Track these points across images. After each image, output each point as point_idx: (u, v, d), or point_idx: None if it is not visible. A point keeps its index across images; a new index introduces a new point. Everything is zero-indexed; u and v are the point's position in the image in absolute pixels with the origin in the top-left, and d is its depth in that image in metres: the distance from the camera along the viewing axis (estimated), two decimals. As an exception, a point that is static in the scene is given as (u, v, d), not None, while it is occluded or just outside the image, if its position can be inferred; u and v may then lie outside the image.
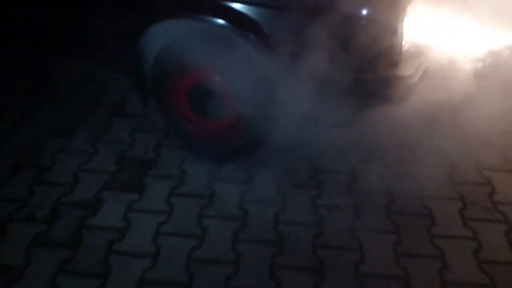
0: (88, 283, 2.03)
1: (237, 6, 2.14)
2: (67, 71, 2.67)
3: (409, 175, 2.43)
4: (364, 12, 2.02)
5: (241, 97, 2.30)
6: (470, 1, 2.10)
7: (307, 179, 2.46)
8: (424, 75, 2.11)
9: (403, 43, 2.05)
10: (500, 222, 2.29)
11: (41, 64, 2.66)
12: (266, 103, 2.27)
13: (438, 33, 2.14)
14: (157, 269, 2.09)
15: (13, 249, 2.15)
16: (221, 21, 2.16)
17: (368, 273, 2.07)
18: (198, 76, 2.37)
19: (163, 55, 2.37)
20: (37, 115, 2.83)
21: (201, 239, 2.21)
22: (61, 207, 2.35)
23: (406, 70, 2.10)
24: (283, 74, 2.17)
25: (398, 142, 2.37)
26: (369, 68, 2.08)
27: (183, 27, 2.28)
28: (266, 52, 2.15)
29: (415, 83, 2.09)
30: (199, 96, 2.41)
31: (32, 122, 2.79)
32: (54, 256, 2.13)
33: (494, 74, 2.38)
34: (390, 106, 2.16)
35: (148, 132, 2.76)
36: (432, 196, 2.38)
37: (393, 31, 2.01)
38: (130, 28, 2.33)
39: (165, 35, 2.31)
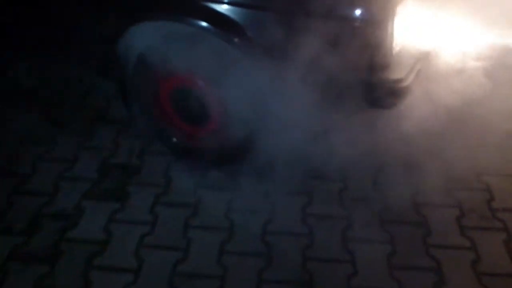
0: (67, 301, 1.93)
1: (219, 7, 2.03)
2: (48, 75, 2.57)
3: (404, 181, 2.32)
4: (352, 12, 1.91)
5: (225, 102, 2.19)
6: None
7: (296, 187, 2.35)
8: (418, 78, 2.00)
9: (394, 44, 1.94)
10: (499, 230, 2.19)
11: (20, 68, 2.56)
12: (251, 108, 2.16)
13: (431, 34, 2.04)
14: (139, 284, 1.98)
15: (-12, 264, 2.07)
16: (202, 23, 2.05)
17: (360, 286, 1.97)
18: (180, 80, 2.27)
19: (143, 58, 2.26)
20: (17, 121, 2.73)
21: (186, 252, 2.11)
22: (40, 218, 2.25)
23: (398, 73, 1.99)
24: (268, 78, 2.06)
25: (391, 147, 2.26)
26: (358, 71, 1.97)
27: (163, 29, 2.17)
28: (250, 55, 2.05)
29: (407, 87, 1.98)
30: (182, 101, 2.31)
31: (11, 128, 2.69)
32: (32, 271, 2.04)
33: (492, 76, 2.27)
34: (382, 110, 2.05)
35: (132, 138, 2.65)
36: (428, 203, 2.28)
37: (383, 32, 1.90)
38: (108, 29, 2.23)
39: (145, 37, 2.20)
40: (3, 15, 2.41)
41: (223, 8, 2.03)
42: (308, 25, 1.91)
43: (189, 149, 2.44)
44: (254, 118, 2.19)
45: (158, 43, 2.19)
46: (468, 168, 2.34)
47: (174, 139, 2.45)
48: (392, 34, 1.93)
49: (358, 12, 1.91)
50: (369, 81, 1.99)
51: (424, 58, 2.05)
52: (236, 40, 2.04)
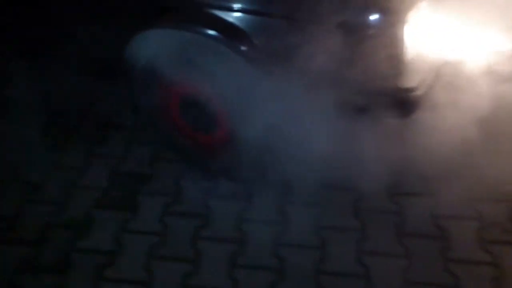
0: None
1: (225, 15, 1.97)
2: (56, 81, 2.54)
3: (422, 192, 2.23)
4: (361, 19, 1.83)
5: (232, 110, 2.14)
6: (479, 4, 1.89)
7: (310, 198, 2.27)
8: (432, 87, 1.91)
9: (406, 52, 1.85)
10: (522, 244, 2.10)
11: (28, 74, 2.54)
12: (259, 117, 2.10)
13: (446, 40, 1.94)
14: (148, 298, 1.96)
15: (-3, 275, 2.06)
16: (208, 31, 1.99)
17: (375, 302, 1.91)
18: (187, 88, 2.22)
19: (150, 66, 2.21)
20: (27, 129, 2.69)
21: (195, 264, 2.07)
22: (50, 227, 2.23)
23: (411, 82, 1.90)
24: (275, 87, 1.99)
25: (408, 157, 2.17)
26: (369, 80, 1.88)
27: (170, 37, 2.11)
28: (256, 63, 1.99)
29: (421, 96, 1.89)
30: (190, 108, 2.26)
31: (21, 136, 2.65)
32: (42, 283, 2.03)
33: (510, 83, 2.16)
34: (395, 120, 1.97)
35: (143, 145, 2.61)
36: (447, 215, 2.18)
37: (394, 39, 1.82)
38: (116, 36, 2.19)
39: (151, 45, 2.15)
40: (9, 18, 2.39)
41: (229, 15, 1.97)
42: (317, 33, 1.83)
43: (199, 158, 2.40)
44: (263, 127, 2.13)
45: (165, 51, 2.14)
46: (490, 179, 2.24)
47: (184, 147, 2.40)
48: (404, 41, 1.84)
49: (368, 18, 1.83)
50: (380, 91, 1.91)
51: (440, 66, 1.96)
52: (242, 48, 1.97)
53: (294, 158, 2.18)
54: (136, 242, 2.17)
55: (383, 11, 1.84)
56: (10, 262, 2.10)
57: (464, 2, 1.95)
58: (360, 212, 2.23)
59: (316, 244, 2.11)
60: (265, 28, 1.94)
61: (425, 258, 2.04)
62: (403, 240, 2.11)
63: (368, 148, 2.17)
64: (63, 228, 2.23)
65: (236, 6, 1.96)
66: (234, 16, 1.98)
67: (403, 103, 1.94)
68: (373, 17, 1.83)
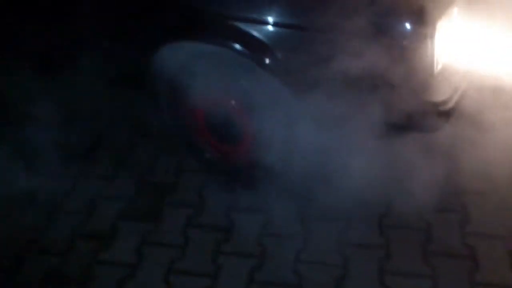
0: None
1: (249, 28, 1.94)
2: (85, 91, 2.58)
3: (451, 208, 2.13)
4: (391, 29, 1.75)
5: (255, 123, 2.11)
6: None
7: (333, 212, 2.20)
8: (462, 100, 1.81)
9: (436, 63, 1.75)
10: (559, 267, 1.96)
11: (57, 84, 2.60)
12: (282, 130, 2.06)
13: (477, 51, 1.83)
14: (166, 313, 1.97)
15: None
16: (234, 44, 1.97)
17: (397, 325, 1.84)
18: (212, 100, 2.20)
19: (177, 77, 2.21)
20: (58, 136, 2.73)
21: (214, 279, 2.05)
22: (76, 238, 2.27)
23: (440, 95, 1.80)
24: (299, 100, 1.95)
25: (437, 171, 2.07)
26: (396, 93, 1.80)
27: (195, 49, 2.11)
28: (280, 77, 1.95)
29: (451, 109, 1.80)
30: (216, 119, 2.25)
31: (53, 144, 2.71)
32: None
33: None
34: (423, 134, 1.88)
35: (170, 153, 2.61)
36: (477, 233, 2.07)
37: (423, 50, 1.73)
38: (142, 47, 2.20)
39: (177, 57, 2.15)
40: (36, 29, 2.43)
41: (253, 28, 1.94)
42: (342, 44, 1.77)
43: (222, 168, 2.38)
44: (286, 140, 2.09)
45: (190, 63, 2.14)
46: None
47: (207, 156, 2.39)
48: (433, 51, 1.75)
49: (397, 29, 1.75)
50: (409, 103, 1.83)
51: (471, 77, 1.85)
52: (266, 61, 1.94)
53: (318, 172, 2.14)
54: (157, 254, 2.18)
55: (412, 21, 1.76)
56: (37, 273, 2.15)
57: (497, 11, 1.84)
58: (386, 229, 2.15)
59: (337, 261, 2.05)
60: (290, 41, 1.91)
61: (452, 279, 1.95)
62: (429, 259, 2.02)
63: (395, 163, 2.10)
64: (88, 239, 2.27)
65: (261, 18, 1.94)
66: (258, 29, 1.95)
67: (432, 116, 1.85)
68: (402, 27, 1.76)
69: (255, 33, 1.95)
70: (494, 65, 1.88)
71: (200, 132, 2.34)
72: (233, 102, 2.16)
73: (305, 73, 1.90)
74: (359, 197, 2.20)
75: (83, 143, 2.72)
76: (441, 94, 1.83)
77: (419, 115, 1.83)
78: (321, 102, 1.89)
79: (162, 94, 2.35)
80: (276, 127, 2.08)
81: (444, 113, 1.84)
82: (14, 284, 2.14)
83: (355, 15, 1.77)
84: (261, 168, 2.23)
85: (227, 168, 2.37)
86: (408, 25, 1.75)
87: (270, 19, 1.92)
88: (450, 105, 1.83)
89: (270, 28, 1.93)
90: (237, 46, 1.98)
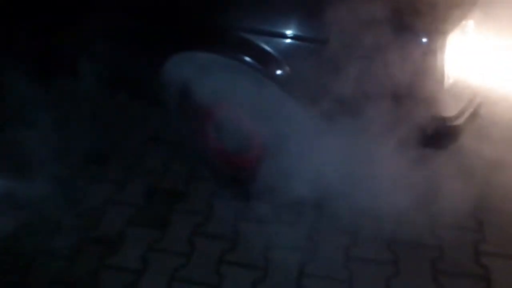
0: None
1: (259, 40, 1.93)
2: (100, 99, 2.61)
3: (465, 226, 2.05)
4: (402, 42, 1.69)
5: (263, 134, 2.09)
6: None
7: (342, 225, 2.15)
8: (474, 116, 1.74)
9: (446, 77, 1.69)
10: None
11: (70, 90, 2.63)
12: (292, 142, 2.02)
13: (491, 65, 1.75)
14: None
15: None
16: (244, 56, 1.96)
17: None
18: (221, 110, 2.19)
19: (186, 87, 2.20)
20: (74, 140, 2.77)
21: (217, 289, 2.03)
22: (84, 242, 2.28)
23: (450, 110, 1.74)
24: (307, 113, 1.91)
25: (449, 189, 1.99)
26: (406, 107, 1.74)
27: (204, 60, 2.09)
28: (287, 88, 1.93)
29: (461, 126, 1.73)
30: (224, 130, 2.23)
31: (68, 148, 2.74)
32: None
33: None
34: (433, 151, 1.81)
35: (182, 161, 2.61)
36: (491, 252, 1.99)
37: (432, 63, 1.67)
38: (153, 56, 2.20)
39: (186, 67, 2.14)
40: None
41: (263, 41, 1.93)
42: (352, 58, 1.73)
43: (231, 178, 2.36)
44: (295, 153, 2.05)
45: (199, 74, 2.12)
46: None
47: (217, 167, 2.37)
48: (443, 65, 1.69)
49: (406, 41, 1.69)
50: (417, 119, 1.77)
51: (483, 93, 1.78)
52: (276, 74, 1.93)
53: (328, 185, 2.09)
54: (162, 261, 2.16)
55: (421, 33, 1.70)
56: (45, 276, 2.17)
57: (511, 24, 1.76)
58: (395, 245, 2.08)
59: (343, 276, 2.00)
60: (301, 54, 1.88)
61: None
62: (440, 278, 1.95)
63: (405, 177, 2.03)
64: (95, 244, 2.27)
65: (272, 30, 1.92)
66: (268, 42, 1.93)
67: (441, 133, 1.79)
68: (412, 40, 1.70)
69: (265, 46, 1.93)
70: (508, 80, 1.80)
71: (209, 142, 2.33)
72: (241, 113, 2.14)
73: (315, 87, 1.88)
74: (369, 211, 2.15)
75: (95, 149, 2.74)
76: (451, 109, 1.76)
77: (428, 131, 1.77)
78: (331, 115, 1.85)
79: (171, 103, 2.34)
80: (285, 140, 2.05)
81: (455, 129, 1.77)
82: (22, 287, 2.17)
83: (365, 27, 1.73)
84: (269, 179, 2.20)
85: (236, 179, 2.35)
86: (417, 38, 1.70)
87: (282, 31, 1.90)
88: (461, 120, 1.76)
89: (281, 40, 1.91)
90: (247, 58, 1.96)
